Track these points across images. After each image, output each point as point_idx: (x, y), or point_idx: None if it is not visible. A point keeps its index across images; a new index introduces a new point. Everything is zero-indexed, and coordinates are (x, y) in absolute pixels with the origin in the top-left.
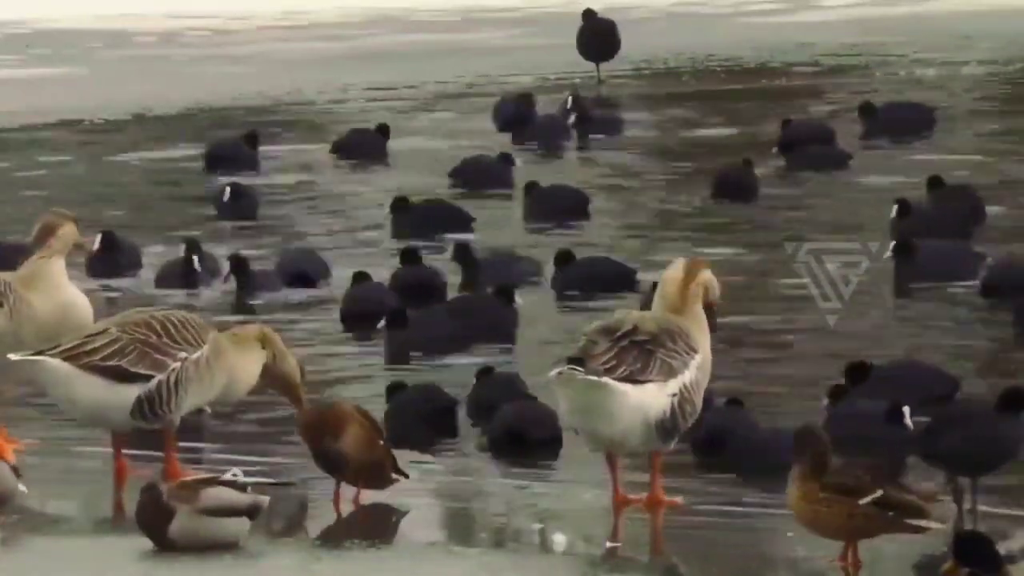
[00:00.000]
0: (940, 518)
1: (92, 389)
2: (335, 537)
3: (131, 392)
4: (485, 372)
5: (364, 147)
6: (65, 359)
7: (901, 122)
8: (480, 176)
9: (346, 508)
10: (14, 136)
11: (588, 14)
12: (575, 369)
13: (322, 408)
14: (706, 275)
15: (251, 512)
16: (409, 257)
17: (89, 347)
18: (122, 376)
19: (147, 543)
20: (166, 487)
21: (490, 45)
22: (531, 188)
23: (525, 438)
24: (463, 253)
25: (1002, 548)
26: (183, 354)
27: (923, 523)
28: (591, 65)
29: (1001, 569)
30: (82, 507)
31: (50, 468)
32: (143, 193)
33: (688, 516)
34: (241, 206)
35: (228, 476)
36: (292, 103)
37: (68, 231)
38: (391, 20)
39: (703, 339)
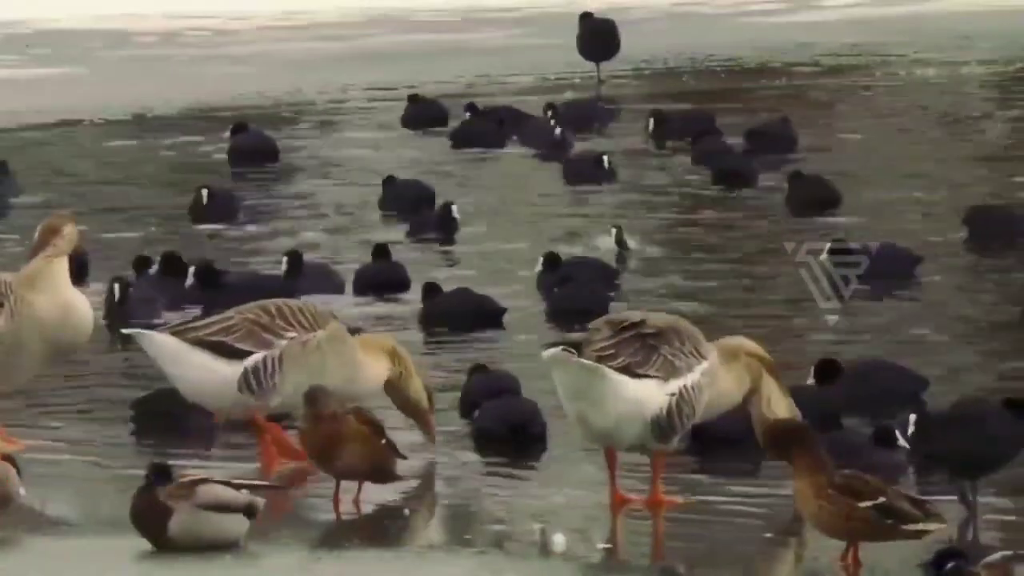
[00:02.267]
0: (939, 521)
1: (197, 363)
2: (335, 537)
3: (236, 368)
4: (477, 370)
5: (485, 136)
6: (173, 334)
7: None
8: (580, 175)
9: (346, 508)
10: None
11: (585, 17)
12: (567, 351)
13: (321, 427)
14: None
15: (248, 511)
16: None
17: (199, 323)
18: (228, 352)
19: (147, 543)
20: (162, 488)
21: (490, 45)
22: (388, 181)
23: (507, 433)
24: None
25: (1005, 549)
26: (292, 334)
27: (920, 527)
28: (591, 65)
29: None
30: (82, 507)
31: (51, 468)
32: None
33: (688, 516)
34: (219, 209)
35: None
36: (292, 103)
37: (71, 231)
38: (391, 20)
39: (724, 367)
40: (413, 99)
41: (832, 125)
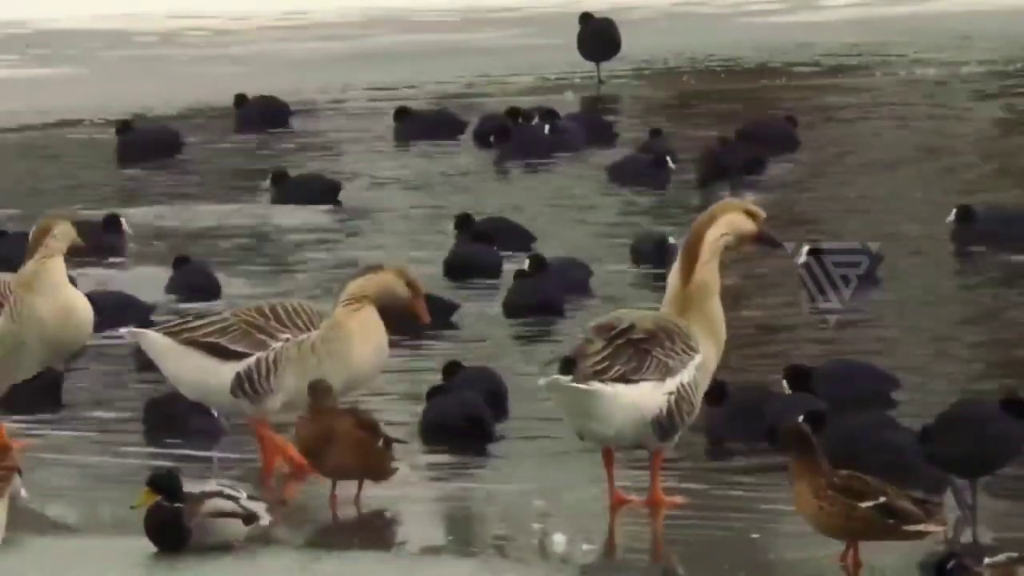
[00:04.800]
0: (940, 522)
1: (192, 364)
2: (335, 537)
3: (230, 369)
4: (451, 367)
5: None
6: (167, 334)
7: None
8: (636, 175)
9: (345, 509)
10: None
11: (585, 17)
12: (561, 376)
13: (317, 424)
14: (727, 222)
15: (248, 519)
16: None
17: (194, 324)
18: (221, 353)
19: (148, 544)
20: (185, 511)
21: (490, 45)
22: (280, 178)
23: (446, 430)
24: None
25: (1007, 549)
26: (286, 335)
27: (922, 527)
28: (591, 65)
29: None
30: (83, 508)
31: (51, 468)
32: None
33: (688, 516)
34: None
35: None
36: (292, 103)
37: (65, 230)
38: (391, 20)
39: (708, 340)
40: (125, 126)
41: (828, 123)
